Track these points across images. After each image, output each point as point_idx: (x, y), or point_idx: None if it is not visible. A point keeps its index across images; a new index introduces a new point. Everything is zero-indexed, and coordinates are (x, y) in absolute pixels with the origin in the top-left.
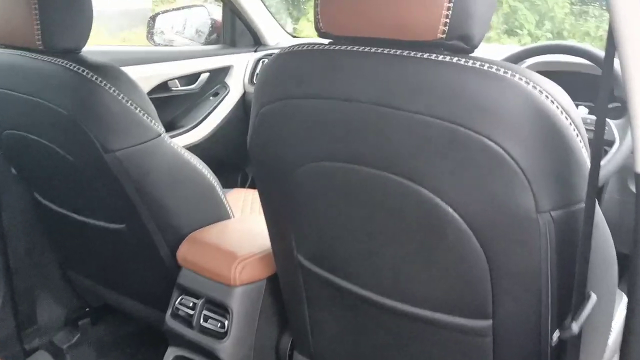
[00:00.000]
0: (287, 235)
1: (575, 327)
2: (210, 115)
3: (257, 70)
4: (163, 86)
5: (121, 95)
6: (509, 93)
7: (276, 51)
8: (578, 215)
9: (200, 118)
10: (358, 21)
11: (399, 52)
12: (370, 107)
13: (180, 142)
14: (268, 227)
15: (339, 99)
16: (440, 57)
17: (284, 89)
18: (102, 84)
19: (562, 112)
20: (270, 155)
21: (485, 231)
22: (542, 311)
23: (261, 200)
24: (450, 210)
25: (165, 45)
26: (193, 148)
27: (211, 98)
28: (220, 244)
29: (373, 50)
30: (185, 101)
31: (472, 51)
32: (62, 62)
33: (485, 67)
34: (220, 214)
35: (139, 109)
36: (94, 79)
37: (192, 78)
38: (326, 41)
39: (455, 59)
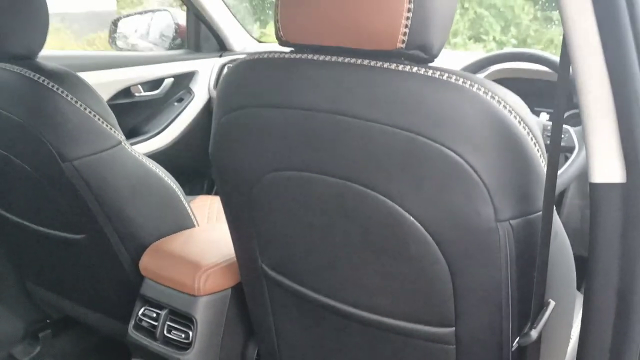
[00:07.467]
0: (250, 244)
1: (534, 333)
2: (175, 121)
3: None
4: (126, 92)
5: (79, 102)
6: (468, 103)
7: (242, 57)
8: (537, 223)
9: (165, 124)
10: (318, 30)
11: (359, 61)
12: (329, 116)
13: (144, 149)
14: (231, 235)
15: (298, 108)
16: (401, 67)
17: (243, 98)
18: (59, 92)
19: (520, 122)
20: (231, 165)
21: (447, 241)
22: (502, 319)
23: (224, 208)
24: (412, 219)
25: (128, 50)
26: (157, 155)
27: (175, 104)
28: (183, 253)
29: (333, 59)
30: (148, 107)
31: (432, 60)
32: (17, 69)
33: (445, 77)
34: (184, 222)
35: (97, 116)
36: (50, 86)
37: (155, 83)
38: (287, 49)
39: (415, 69)
